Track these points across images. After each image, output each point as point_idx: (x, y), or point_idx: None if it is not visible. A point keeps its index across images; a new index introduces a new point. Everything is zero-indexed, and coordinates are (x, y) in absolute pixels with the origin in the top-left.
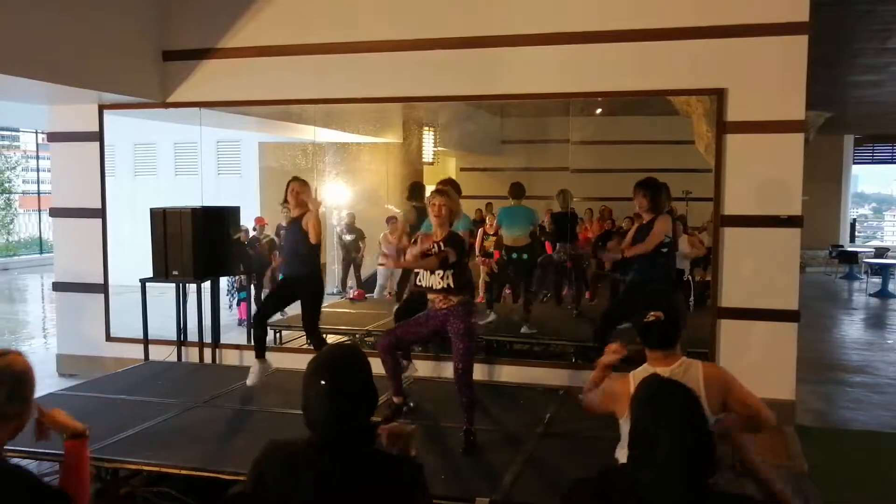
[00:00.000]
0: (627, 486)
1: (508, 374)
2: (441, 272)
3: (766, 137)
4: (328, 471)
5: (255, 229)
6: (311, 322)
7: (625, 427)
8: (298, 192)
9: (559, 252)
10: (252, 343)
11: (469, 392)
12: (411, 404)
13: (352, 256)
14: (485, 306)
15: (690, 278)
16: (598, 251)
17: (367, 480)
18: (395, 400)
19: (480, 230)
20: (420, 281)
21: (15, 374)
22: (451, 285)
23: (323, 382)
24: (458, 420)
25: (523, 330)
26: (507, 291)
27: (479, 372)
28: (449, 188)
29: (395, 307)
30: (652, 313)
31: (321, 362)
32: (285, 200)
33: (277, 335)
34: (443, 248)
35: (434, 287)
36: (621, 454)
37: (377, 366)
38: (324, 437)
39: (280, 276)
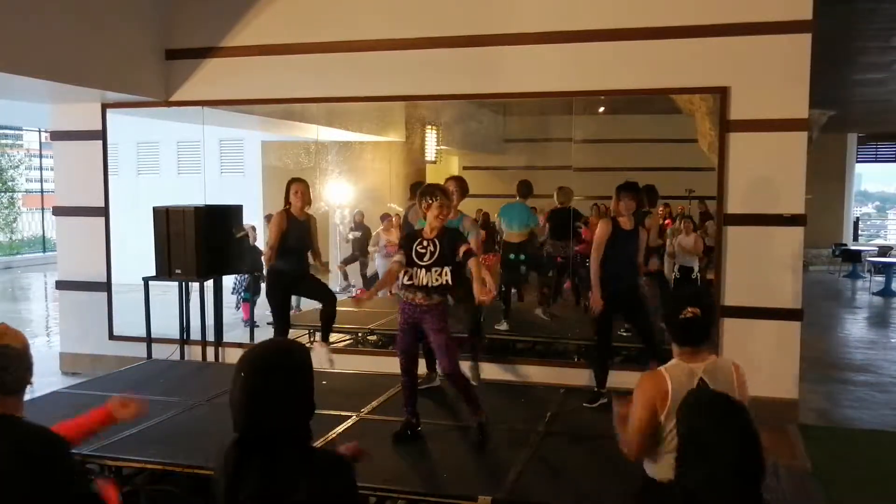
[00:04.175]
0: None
1: (510, 372)
2: (438, 269)
3: (770, 136)
4: (247, 471)
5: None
6: (334, 301)
7: (667, 426)
8: (303, 192)
9: (551, 247)
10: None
11: (465, 381)
12: (419, 429)
13: (355, 255)
14: (502, 315)
15: (699, 276)
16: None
17: (287, 481)
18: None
19: None
20: (412, 279)
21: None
22: (450, 282)
23: (242, 374)
24: (458, 419)
25: (537, 311)
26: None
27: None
28: (455, 187)
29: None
30: (689, 309)
31: (247, 355)
32: (287, 202)
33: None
34: (437, 245)
35: (430, 285)
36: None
37: (382, 365)
38: (242, 435)
39: (273, 272)
